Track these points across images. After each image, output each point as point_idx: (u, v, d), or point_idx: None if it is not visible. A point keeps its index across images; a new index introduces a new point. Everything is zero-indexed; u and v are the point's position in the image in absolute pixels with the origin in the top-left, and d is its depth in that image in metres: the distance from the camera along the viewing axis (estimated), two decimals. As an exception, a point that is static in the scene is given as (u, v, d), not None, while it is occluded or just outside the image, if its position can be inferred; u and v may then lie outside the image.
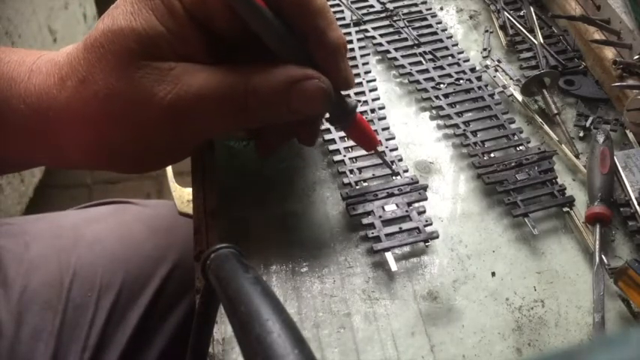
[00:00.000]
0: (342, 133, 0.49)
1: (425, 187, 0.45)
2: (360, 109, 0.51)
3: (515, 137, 0.48)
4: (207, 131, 0.38)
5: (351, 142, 0.48)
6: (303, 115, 0.37)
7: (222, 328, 0.38)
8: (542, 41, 0.56)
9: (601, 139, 0.46)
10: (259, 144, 0.43)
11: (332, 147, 0.48)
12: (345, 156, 0.47)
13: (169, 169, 0.58)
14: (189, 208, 0.52)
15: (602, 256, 0.40)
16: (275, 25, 0.35)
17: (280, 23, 0.35)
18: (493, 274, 0.41)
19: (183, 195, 0.55)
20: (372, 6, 0.60)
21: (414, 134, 0.50)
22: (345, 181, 0.45)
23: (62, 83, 0.35)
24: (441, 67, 0.54)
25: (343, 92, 0.40)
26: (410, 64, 0.55)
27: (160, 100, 0.33)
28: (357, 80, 0.53)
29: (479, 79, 0.53)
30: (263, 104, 0.36)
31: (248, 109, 0.36)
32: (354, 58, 0.55)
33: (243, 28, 0.35)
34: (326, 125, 0.49)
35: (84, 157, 0.38)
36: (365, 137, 0.42)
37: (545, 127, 0.49)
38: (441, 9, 0.62)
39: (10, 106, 0.36)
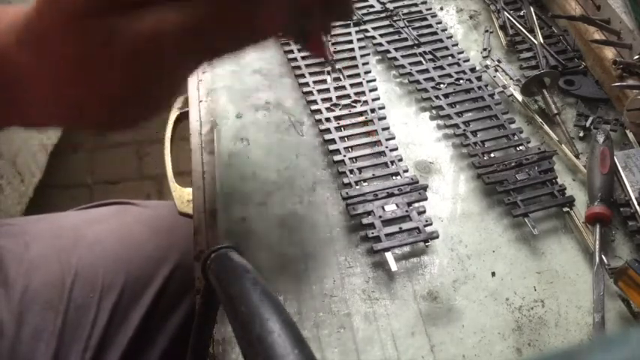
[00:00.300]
0: (342, 133, 0.49)
1: (425, 187, 0.45)
2: (360, 108, 0.51)
3: (515, 137, 0.48)
4: (179, 70, 0.36)
5: (351, 142, 0.48)
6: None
7: (222, 328, 0.38)
8: (542, 41, 0.56)
9: (601, 139, 0.46)
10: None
11: (332, 147, 0.48)
12: (345, 156, 0.47)
13: (169, 169, 0.58)
14: (189, 208, 0.52)
15: (602, 256, 0.40)
16: None
17: None
18: (493, 274, 0.41)
19: (183, 195, 0.54)
20: (372, 6, 0.60)
21: (414, 134, 0.50)
22: (345, 181, 0.45)
23: (19, 42, 0.34)
24: (441, 67, 0.54)
25: None
26: (410, 64, 0.55)
27: (124, 41, 0.32)
28: (357, 80, 0.53)
29: (479, 79, 0.53)
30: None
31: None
32: (354, 58, 0.55)
33: None
34: (325, 125, 0.49)
35: (54, 114, 0.36)
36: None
37: (545, 127, 0.49)
38: (441, 9, 0.62)
39: None
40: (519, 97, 0.52)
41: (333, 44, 0.56)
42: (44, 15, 0.33)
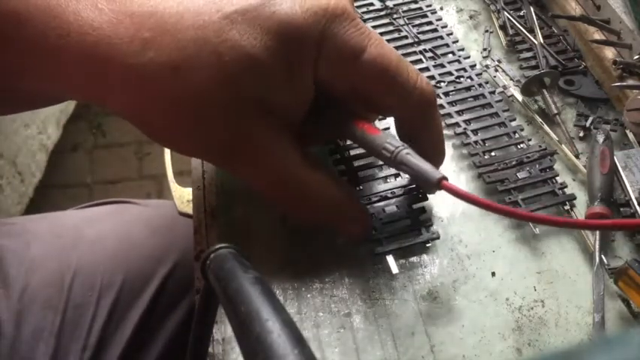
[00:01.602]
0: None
1: (422, 191, 0.45)
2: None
3: (516, 135, 0.48)
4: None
5: (351, 142, 0.48)
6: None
7: (222, 328, 0.38)
8: (542, 41, 0.56)
9: (601, 139, 0.46)
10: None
11: (331, 147, 0.48)
12: (345, 157, 0.47)
13: (169, 169, 0.58)
14: (189, 208, 0.52)
15: (602, 256, 0.40)
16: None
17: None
18: (493, 274, 0.41)
19: (183, 195, 0.55)
20: (371, 4, 0.60)
21: (414, 134, 0.50)
22: (346, 181, 0.45)
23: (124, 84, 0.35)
24: (442, 65, 0.54)
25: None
26: (410, 62, 0.55)
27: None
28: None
29: (479, 76, 0.53)
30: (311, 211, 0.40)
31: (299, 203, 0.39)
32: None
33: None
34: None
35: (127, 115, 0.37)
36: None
37: (545, 127, 0.49)
38: (441, 9, 0.62)
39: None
40: (519, 97, 0.52)
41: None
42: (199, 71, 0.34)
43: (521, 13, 0.59)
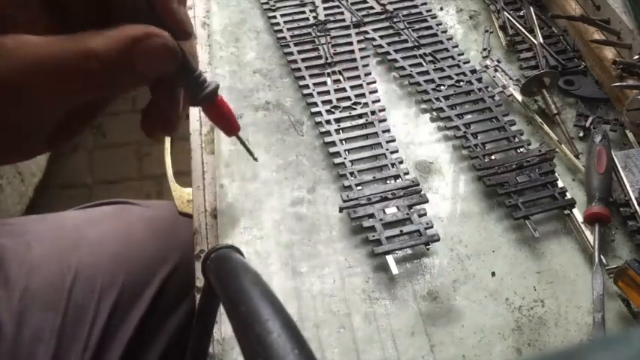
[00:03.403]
0: (343, 135, 0.49)
1: (421, 192, 0.45)
2: (360, 110, 0.51)
3: (516, 139, 0.48)
4: (52, 106, 0.35)
5: (351, 145, 0.48)
6: (149, 75, 0.35)
7: (222, 328, 0.38)
8: (542, 41, 0.56)
9: (598, 138, 0.46)
10: (144, 122, 0.40)
11: (332, 149, 0.48)
12: (345, 158, 0.47)
13: (169, 169, 0.58)
14: (189, 208, 0.52)
15: (602, 256, 0.40)
16: None
17: None
18: (493, 274, 0.41)
19: (183, 195, 0.55)
20: (372, 8, 0.60)
21: (414, 135, 0.50)
22: (346, 184, 0.45)
23: None
24: (441, 69, 0.54)
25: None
26: (410, 65, 0.55)
27: None
28: (357, 82, 0.53)
29: (479, 80, 0.53)
30: (105, 68, 0.33)
31: (91, 75, 0.33)
32: (354, 60, 0.55)
33: None
34: (326, 128, 0.49)
35: None
36: (226, 121, 0.40)
37: (545, 127, 0.50)
38: (441, 9, 0.62)
39: None
40: (519, 97, 0.52)
41: (333, 46, 0.57)
42: None
43: (521, 13, 0.59)
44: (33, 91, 0.32)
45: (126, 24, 0.33)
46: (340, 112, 0.51)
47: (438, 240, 0.42)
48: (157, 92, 0.38)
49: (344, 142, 0.48)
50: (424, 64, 0.55)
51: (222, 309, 0.27)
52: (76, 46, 0.33)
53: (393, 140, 0.49)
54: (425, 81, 0.53)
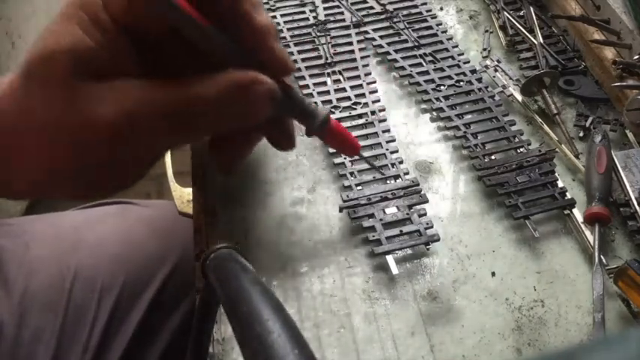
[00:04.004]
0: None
1: (423, 192, 0.45)
2: (360, 111, 0.51)
3: (516, 139, 0.48)
4: (157, 147, 0.36)
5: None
6: (253, 120, 0.35)
7: (222, 328, 0.38)
8: (542, 41, 0.56)
9: (597, 138, 0.46)
10: (219, 160, 0.40)
11: (332, 149, 0.48)
12: (345, 158, 0.47)
13: (169, 169, 0.58)
14: (189, 208, 0.52)
15: (602, 256, 0.40)
16: (210, 29, 0.34)
17: (215, 29, 0.34)
18: (493, 274, 0.41)
19: (183, 195, 0.55)
20: (372, 7, 0.60)
21: (414, 135, 0.50)
22: (346, 183, 0.45)
23: (3, 115, 0.33)
24: (441, 69, 0.54)
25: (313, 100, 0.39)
26: (410, 65, 0.55)
27: (101, 121, 0.32)
28: (357, 82, 0.53)
29: (479, 80, 0.53)
30: (210, 112, 0.34)
31: (194, 120, 0.34)
32: (354, 60, 0.55)
33: (179, 37, 0.34)
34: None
35: (33, 186, 0.36)
36: (345, 144, 0.40)
37: (545, 127, 0.49)
38: (441, 9, 0.62)
39: None
40: (519, 97, 0.52)
41: (333, 46, 0.57)
42: (31, 79, 0.33)
43: (521, 13, 0.59)
44: (139, 133, 0.33)
45: (229, 69, 0.34)
46: (340, 112, 0.51)
47: (438, 240, 0.42)
48: (269, 128, 0.39)
49: (344, 142, 0.48)
50: (424, 64, 0.55)
51: (222, 309, 0.27)
52: (181, 90, 0.33)
53: (393, 140, 0.49)
54: (425, 81, 0.53)
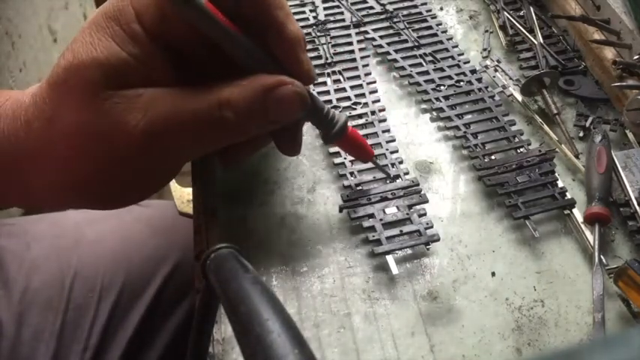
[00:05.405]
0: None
1: (423, 192, 0.45)
2: (360, 110, 0.51)
3: (516, 139, 0.48)
4: (186, 154, 0.37)
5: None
6: (282, 122, 0.36)
7: (222, 328, 0.38)
8: (542, 41, 0.56)
9: (597, 138, 0.46)
10: (222, 155, 0.41)
11: (332, 149, 0.48)
12: (345, 158, 0.47)
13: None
14: (189, 208, 0.53)
15: (602, 257, 0.40)
16: (239, 36, 0.34)
17: (245, 36, 0.35)
18: (493, 274, 0.41)
19: (183, 195, 0.55)
20: (372, 7, 0.60)
21: (414, 135, 0.50)
22: (346, 183, 0.45)
23: (28, 125, 0.33)
24: (441, 69, 0.54)
25: (329, 105, 0.39)
26: (410, 65, 0.55)
27: (131, 130, 0.32)
28: (357, 82, 0.53)
29: (479, 80, 0.53)
30: (240, 118, 0.34)
31: (226, 126, 0.34)
32: (354, 60, 0.55)
33: (209, 45, 0.34)
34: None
35: (58, 196, 0.36)
36: (359, 149, 0.42)
37: (545, 127, 0.50)
38: (441, 9, 0.62)
39: None
40: (519, 97, 0.52)
41: (333, 46, 0.57)
42: (61, 88, 0.33)
43: (521, 13, 0.59)
44: (169, 140, 0.33)
45: (257, 74, 0.35)
46: (340, 112, 0.51)
47: (438, 240, 0.42)
48: (278, 133, 0.39)
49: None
50: (424, 64, 0.55)
51: (222, 309, 0.28)
52: (210, 96, 0.34)
53: (393, 140, 0.49)
54: (425, 81, 0.53)
